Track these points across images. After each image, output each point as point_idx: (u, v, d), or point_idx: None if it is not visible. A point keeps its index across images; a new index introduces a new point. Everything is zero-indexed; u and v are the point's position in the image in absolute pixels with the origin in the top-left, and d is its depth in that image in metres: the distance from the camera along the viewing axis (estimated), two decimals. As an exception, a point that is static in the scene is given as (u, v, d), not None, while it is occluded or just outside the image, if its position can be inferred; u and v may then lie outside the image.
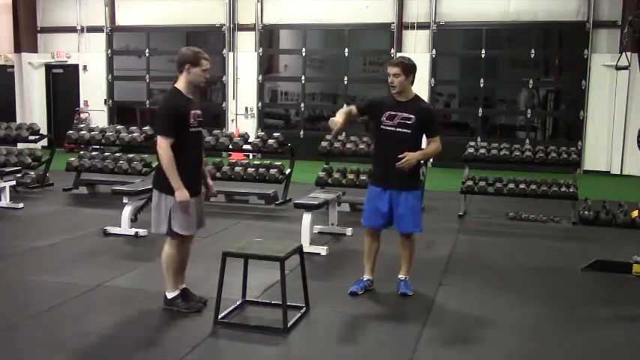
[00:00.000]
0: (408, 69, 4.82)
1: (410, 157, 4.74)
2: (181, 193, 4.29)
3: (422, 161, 5.18)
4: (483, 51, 14.16)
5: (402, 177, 4.81)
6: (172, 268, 4.50)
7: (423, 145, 5.01)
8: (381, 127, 4.88)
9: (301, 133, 15.19)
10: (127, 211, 6.91)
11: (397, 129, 4.81)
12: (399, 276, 5.10)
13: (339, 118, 4.81)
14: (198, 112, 4.50)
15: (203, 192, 4.70)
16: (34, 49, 16.65)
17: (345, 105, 14.93)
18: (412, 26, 14.38)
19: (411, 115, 4.80)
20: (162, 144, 4.29)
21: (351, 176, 8.74)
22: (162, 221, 4.41)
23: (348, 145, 9.01)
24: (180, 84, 4.46)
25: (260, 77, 15.56)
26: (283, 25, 15.46)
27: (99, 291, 5.02)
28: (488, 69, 14.40)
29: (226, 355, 4.07)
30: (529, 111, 14.30)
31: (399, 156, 4.73)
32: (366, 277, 5.12)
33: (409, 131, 4.80)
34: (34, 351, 3.90)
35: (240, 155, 12.50)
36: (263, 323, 4.29)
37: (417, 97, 4.96)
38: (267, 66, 16.04)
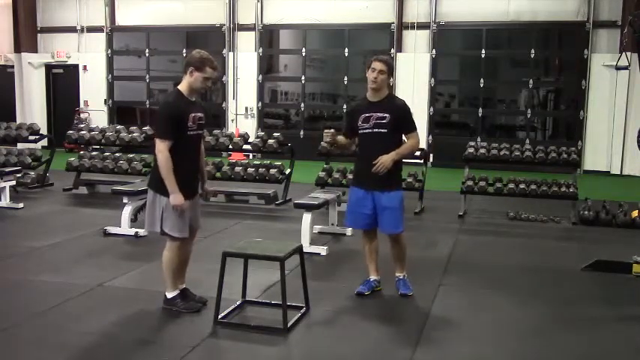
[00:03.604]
0: (391, 69, 4.90)
1: (384, 160, 4.70)
2: (176, 197, 4.28)
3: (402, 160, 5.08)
4: (483, 51, 14.15)
5: (383, 178, 4.77)
6: (172, 269, 4.50)
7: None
8: (359, 131, 4.87)
9: (301, 133, 15.18)
10: (127, 211, 6.91)
11: (374, 130, 4.80)
12: (397, 274, 5.07)
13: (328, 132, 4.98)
14: (199, 114, 4.46)
15: (201, 192, 4.69)
16: (34, 49, 16.65)
17: (344, 105, 15.00)
18: (412, 26, 14.38)
19: (385, 114, 4.77)
20: (160, 147, 4.27)
21: (351, 176, 8.72)
22: (155, 221, 4.42)
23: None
24: (183, 86, 4.43)
25: (260, 77, 15.56)
26: (283, 25, 15.46)
27: (99, 291, 5.03)
28: (488, 69, 14.39)
29: (226, 355, 4.07)
30: (529, 111, 14.30)
31: (374, 162, 4.71)
32: (372, 277, 5.10)
33: (385, 130, 4.78)
34: (34, 351, 3.90)
35: (240, 155, 12.50)
36: (263, 323, 4.29)
37: (390, 94, 4.95)
38: (267, 66, 16.04)
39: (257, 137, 9.57)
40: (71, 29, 16.44)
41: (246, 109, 15.53)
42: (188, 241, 4.58)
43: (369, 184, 4.86)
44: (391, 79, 4.90)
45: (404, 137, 4.99)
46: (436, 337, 4.27)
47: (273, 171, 8.98)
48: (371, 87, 4.84)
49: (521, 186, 8.49)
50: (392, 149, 4.76)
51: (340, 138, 5.07)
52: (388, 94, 4.93)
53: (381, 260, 5.18)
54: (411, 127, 4.92)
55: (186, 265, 4.67)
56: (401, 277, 5.07)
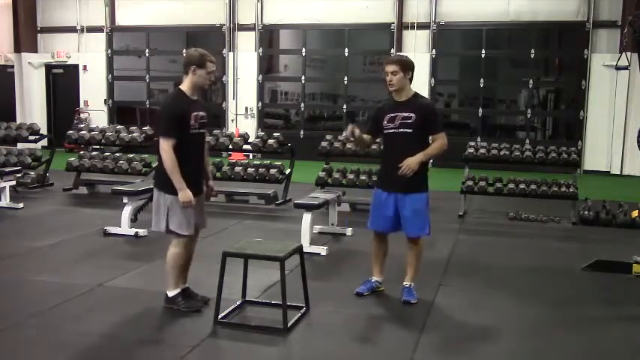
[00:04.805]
0: (406, 66, 4.75)
1: (410, 162, 4.65)
2: (184, 194, 4.30)
3: (430, 161, 5.07)
4: (483, 51, 14.16)
5: (407, 179, 4.73)
6: (177, 267, 4.51)
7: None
8: (385, 131, 4.82)
9: (301, 133, 15.18)
10: (127, 211, 6.91)
11: (399, 130, 4.75)
12: (404, 283, 4.97)
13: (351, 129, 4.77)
14: (202, 113, 4.51)
15: (204, 191, 4.70)
16: (34, 49, 16.65)
17: (344, 105, 14.98)
18: (412, 26, 14.38)
19: (411, 114, 4.72)
20: (164, 146, 4.30)
21: (351, 176, 8.73)
22: (160, 219, 4.44)
23: (348, 145, 9.00)
24: (185, 85, 4.47)
25: (260, 77, 15.56)
26: (283, 25, 15.46)
27: (99, 291, 5.03)
28: (488, 69, 14.40)
29: (226, 355, 4.07)
30: (529, 111, 14.31)
31: (400, 165, 4.66)
32: (374, 278, 5.08)
33: (410, 130, 4.72)
34: (34, 351, 3.90)
35: (240, 155, 12.50)
36: (263, 323, 4.29)
37: (416, 94, 4.88)
38: (267, 66, 16.04)
39: (257, 137, 9.57)
40: (71, 29, 16.43)
41: (246, 109, 15.53)
42: (194, 239, 4.60)
43: (392, 186, 4.82)
44: (409, 75, 4.78)
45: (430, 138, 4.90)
46: (436, 336, 4.27)
47: (273, 171, 8.98)
48: (390, 90, 4.80)
49: (521, 186, 8.49)
50: (417, 150, 4.71)
51: (364, 136, 4.92)
52: (414, 93, 4.86)
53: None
54: (437, 127, 4.84)
55: (189, 264, 4.67)
56: (407, 286, 4.95)
